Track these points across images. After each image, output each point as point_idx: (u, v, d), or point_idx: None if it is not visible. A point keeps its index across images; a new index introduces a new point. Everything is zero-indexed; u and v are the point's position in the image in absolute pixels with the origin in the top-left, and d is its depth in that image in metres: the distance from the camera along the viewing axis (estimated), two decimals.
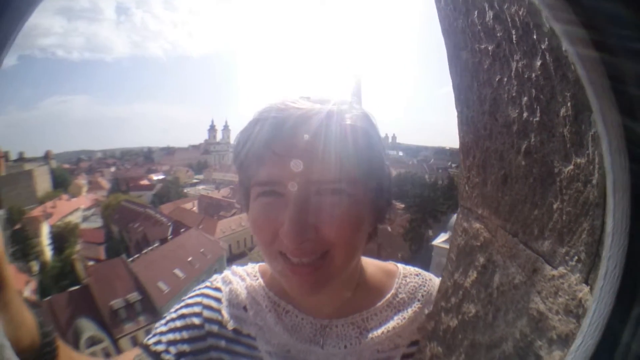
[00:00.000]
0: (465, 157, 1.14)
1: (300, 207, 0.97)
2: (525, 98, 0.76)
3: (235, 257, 55.55)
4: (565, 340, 0.62)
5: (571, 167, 0.65)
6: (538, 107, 0.72)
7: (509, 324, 0.79)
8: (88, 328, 33.22)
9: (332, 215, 0.99)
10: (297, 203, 0.97)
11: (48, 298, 37.77)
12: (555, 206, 0.70)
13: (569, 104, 0.63)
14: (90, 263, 49.76)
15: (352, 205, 1.00)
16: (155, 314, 34.77)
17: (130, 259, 43.57)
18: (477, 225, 1.05)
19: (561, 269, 0.67)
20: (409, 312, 1.26)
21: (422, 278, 1.36)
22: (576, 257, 0.64)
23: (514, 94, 0.80)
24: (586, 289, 0.60)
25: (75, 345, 29.99)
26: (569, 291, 0.64)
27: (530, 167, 0.77)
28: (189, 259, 44.32)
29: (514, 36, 0.76)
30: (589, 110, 0.56)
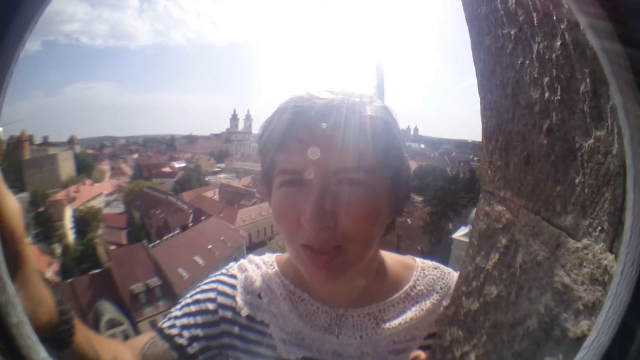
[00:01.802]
0: (487, 142, 1.14)
1: (321, 194, 1.01)
2: (547, 78, 0.76)
3: (255, 245, 55.50)
4: (592, 309, 0.61)
5: (591, 140, 0.65)
6: (559, 86, 0.72)
7: (533, 301, 0.79)
8: (108, 310, 33.72)
9: (350, 205, 1.02)
10: (319, 189, 1.01)
11: (70, 280, 38.37)
12: (577, 180, 0.70)
13: (587, 80, 0.63)
14: (112, 247, 50.55)
15: (370, 196, 1.04)
16: (174, 299, 34.76)
17: (151, 244, 43.95)
18: (499, 207, 1.05)
19: (585, 241, 0.67)
20: (427, 304, 1.27)
21: (441, 271, 1.37)
22: (599, 228, 0.64)
23: (535, 76, 0.80)
24: (611, 256, 0.60)
25: (96, 326, 30.42)
26: (593, 260, 0.63)
27: (552, 145, 0.77)
28: (209, 246, 44.42)
29: (535, 19, 0.77)
30: (606, 84, 0.56)
